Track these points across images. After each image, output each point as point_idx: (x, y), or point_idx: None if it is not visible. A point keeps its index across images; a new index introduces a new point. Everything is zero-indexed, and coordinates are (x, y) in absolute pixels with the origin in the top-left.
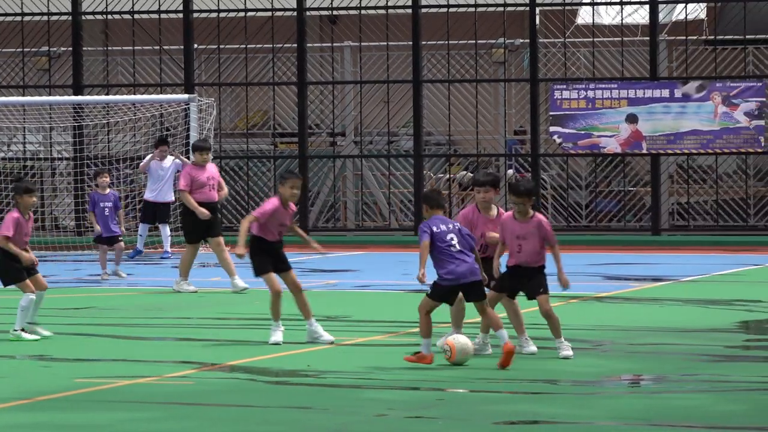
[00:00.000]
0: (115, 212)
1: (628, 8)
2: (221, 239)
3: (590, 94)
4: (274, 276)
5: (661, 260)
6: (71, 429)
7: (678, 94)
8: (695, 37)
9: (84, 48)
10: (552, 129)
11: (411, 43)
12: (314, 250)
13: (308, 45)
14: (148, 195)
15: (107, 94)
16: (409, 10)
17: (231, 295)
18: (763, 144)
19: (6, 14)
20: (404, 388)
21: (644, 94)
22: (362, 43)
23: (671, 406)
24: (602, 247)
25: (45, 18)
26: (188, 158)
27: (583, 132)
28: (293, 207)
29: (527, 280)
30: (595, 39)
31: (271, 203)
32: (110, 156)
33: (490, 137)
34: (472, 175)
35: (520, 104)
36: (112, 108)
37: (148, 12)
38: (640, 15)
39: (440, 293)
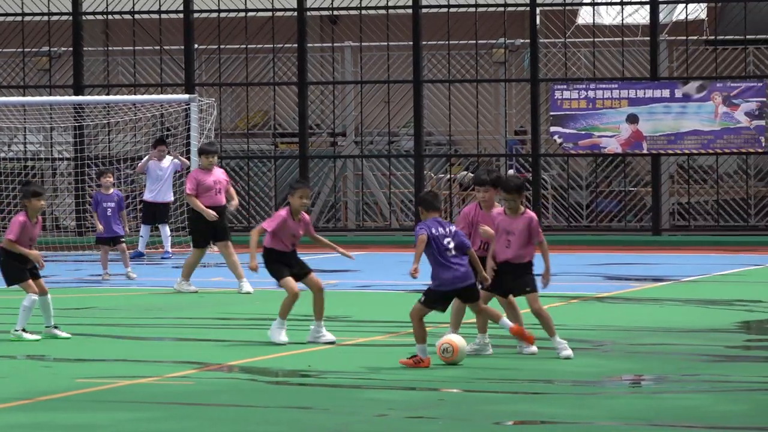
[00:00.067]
0: (119, 212)
1: (628, 8)
2: (229, 243)
3: (591, 94)
4: (291, 279)
5: (662, 260)
6: (72, 429)
7: (678, 94)
8: (696, 37)
9: (84, 48)
10: (552, 129)
11: (411, 43)
12: (347, 257)
13: (309, 45)
14: (147, 195)
15: (108, 94)
16: (410, 10)
17: (231, 295)
18: (763, 144)
19: (6, 14)
20: (405, 388)
21: (645, 94)
22: (363, 43)
23: (672, 407)
24: (603, 248)
25: (45, 18)
26: (188, 159)
27: (583, 132)
28: (306, 217)
29: (514, 277)
30: (595, 39)
31: (279, 215)
32: (111, 156)
33: (490, 137)
34: (472, 175)
35: (520, 104)
36: (112, 108)
37: (148, 12)
38: (640, 15)
39: (434, 300)
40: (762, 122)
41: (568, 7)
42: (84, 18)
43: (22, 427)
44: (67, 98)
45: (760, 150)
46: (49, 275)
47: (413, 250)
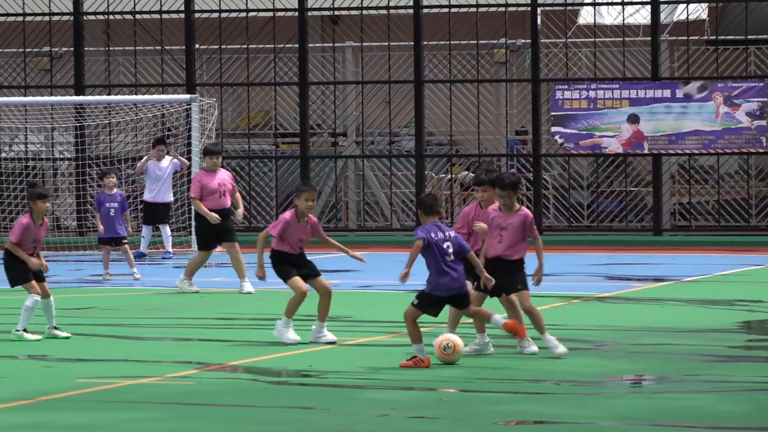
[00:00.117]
0: (122, 213)
1: (629, 8)
2: (236, 243)
3: (592, 94)
4: (298, 279)
5: (663, 260)
6: (73, 429)
7: (679, 94)
8: (697, 38)
9: (85, 48)
10: (553, 129)
11: (412, 43)
12: (359, 260)
13: (310, 45)
14: (147, 196)
15: (109, 94)
16: (411, 11)
17: (233, 295)
18: (764, 144)
19: (8, 14)
20: (406, 388)
21: (646, 94)
22: (364, 44)
23: (673, 407)
24: (604, 248)
25: (47, 18)
26: (188, 159)
27: (584, 132)
28: (314, 220)
29: (505, 274)
30: (596, 39)
31: (284, 218)
32: (112, 156)
33: (491, 137)
34: (473, 175)
35: (521, 104)
36: (113, 108)
37: (149, 12)
38: (641, 15)
39: (427, 303)
40: (763, 122)
41: (569, 7)
42: (85, 18)
43: (23, 427)
44: (68, 98)
45: (761, 150)
46: (50, 275)
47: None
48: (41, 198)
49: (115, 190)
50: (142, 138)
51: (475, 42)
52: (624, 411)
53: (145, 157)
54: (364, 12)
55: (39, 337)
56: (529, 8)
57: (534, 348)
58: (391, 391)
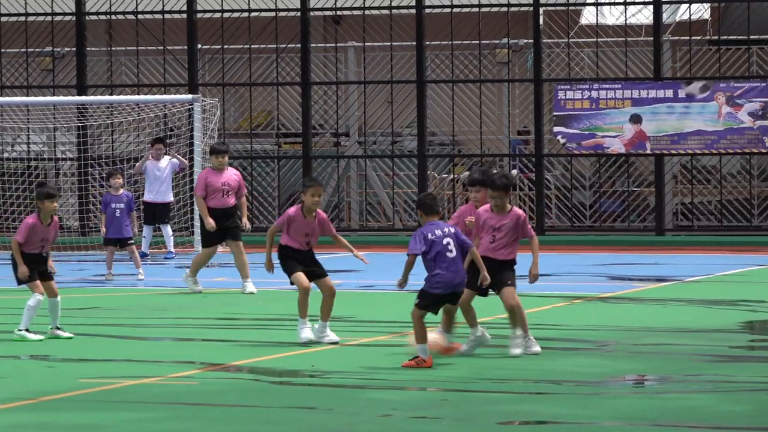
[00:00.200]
0: (128, 213)
1: (631, 8)
2: (240, 243)
3: (594, 94)
4: (301, 274)
5: (665, 260)
6: (75, 429)
7: (682, 94)
8: (699, 38)
9: (88, 48)
10: (556, 129)
11: (415, 43)
12: (362, 260)
13: (312, 45)
14: (147, 196)
15: (111, 94)
16: (413, 11)
17: (235, 295)
18: (767, 144)
19: (10, 14)
20: (408, 388)
21: (648, 94)
22: (366, 44)
23: (675, 407)
24: (606, 248)
25: (49, 18)
26: (190, 159)
27: (586, 132)
28: (322, 216)
29: (496, 273)
30: (598, 39)
31: (287, 213)
32: (114, 156)
33: (493, 137)
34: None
35: (523, 104)
36: (115, 108)
37: (151, 12)
38: (643, 15)
39: (428, 302)
40: (765, 122)
41: (571, 8)
42: (87, 18)
43: (25, 427)
44: (70, 98)
45: (763, 150)
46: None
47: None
48: (48, 198)
49: (121, 190)
50: (144, 138)
51: (478, 42)
52: (626, 411)
53: (143, 157)
54: (367, 12)
55: (41, 337)
56: (532, 8)
57: (537, 348)
58: (393, 391)
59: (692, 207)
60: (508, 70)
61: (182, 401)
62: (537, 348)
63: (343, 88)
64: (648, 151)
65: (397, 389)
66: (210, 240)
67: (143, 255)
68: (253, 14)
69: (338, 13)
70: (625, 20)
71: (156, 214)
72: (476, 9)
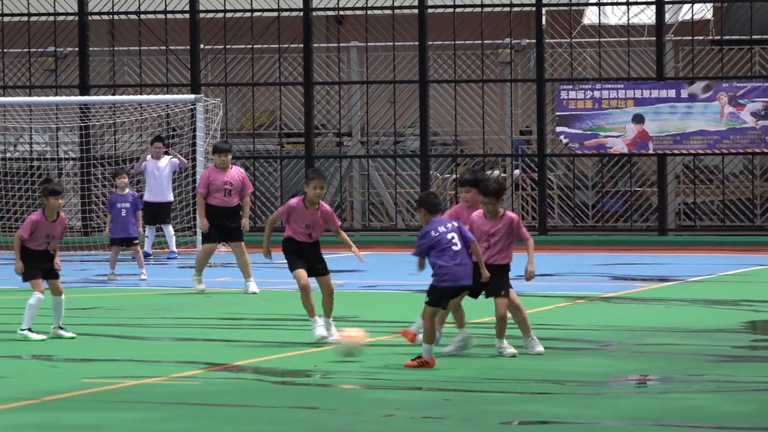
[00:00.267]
0: (134, 213)
1: (634, 8)
2: (242, 243)
3: (596, 94)
4: (301, 271)
5: (668, 260)
6: (78, 429)
7: (684, 94)
8: (701, 38)
9: (90, 48)
10: (558, 129)
11: (417, 43)
12: (358, 258)
13: (314, 45)
14: (147, 196)
15: (113, 94)
16: (416, 11)
17: (237, 295)
18: None
19: (12, 14)
20: (411, 388)
21: (650, 94)
22: (368, 44)
23: (678, 407)
24: (609, 248)
25: (51, 18)
26: (193, 159)
27: (589, 132)
28: (326, 208)
29: (491, 279)
30: (601, 39)
31: (288, 203)
32: (117, 156)
33: (496, 137)
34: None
35: (526, 104)
36: (118, 108)
37: (154, 12)
38: (646, 15)
39: (438, 296)
40: None
41: (573, 8)
42: (90, 18)
43: (28, 427)
44: (72, 98)
45: (766, 150)
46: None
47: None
48: (54, 194)
49: (126, 190)
50: (146, 138)
51: (480, 42)
52: (629, 411)
53: (142, 157)
54: (369, 12)
55: (43, 336)
56: (534, 8)
57: (540, 348)
58: (396, 391)
59: (695, 207)
60: (510, 70)
61: (185, 401)
62: (540, 348)
63: (345, 88)
64: (650, 151)
65: (399, 389)
66: (208, 237)
67: (146, 255)
68: (256, 14)
69: (341, 13)
70: (628, 20)
71: (157, 214)
72: (479, 9)
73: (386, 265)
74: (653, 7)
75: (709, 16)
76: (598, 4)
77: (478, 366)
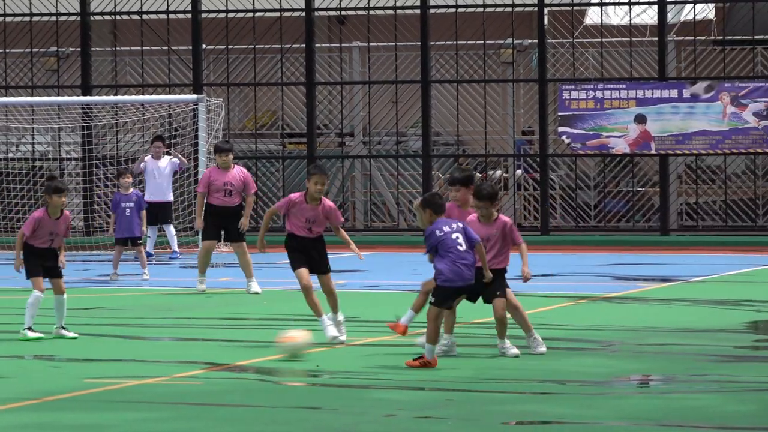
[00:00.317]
0: (138, 212)
1: (636, 8)
2: (243, 243)
3: (599, 94)
4: (302, 271)
5: (670, 260)
6: (80, 429)
7: (686, 94)
8: (704, 38)
9: (92, 48)
10: (560, 129)
11: (419, 43)
12: (357, 255)
13: (317, 45)
14: (147, 196)
15: (116, 94)
16: (418, 11)
17: (240, 295)
18: None
19: (14, 14)
20: (413, 388)
21: (653, 94)
22: (371, 44)
23: (680, 407)
24: (611, 248)
25: (53, 18)
26: (195, 159)
27: (591, 132)
28: (329, 204)
29: (487, 282)
30: (603, 39)
31: (289, 197)
32: (119, 156)
33: (498, 137)
34: (480, 175)
35: (528, 104)
36: (120, 108)
37: (156, 12)
38: (648, 15)
39: (444, 296)
40: None
41: (575, 8)
42: (92, 18)
43: (28, 427)
44: (75, 98)
45: None
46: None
47: (422, 250)
48: (57, 192)
49: (131, 189)
50: (148, 138)
51: (482, 42)
52: (631, 411)
53: (140, 158)
54: (371, 12)
55: (40, 335)
56: (536, 8)
57: (542, 348)
58: (398, 391)
59: (697, 207)
60: (512, 70)
61: (187, 401)
62: (543, 348)
63: (347, 88)
64: (653, 151)
65: (401, 389)
66: (206, 233)
67: (148, 255)
68: (258, 14)
69: (343, 13)
70: (630, 20)
71: (157, 214)
72: (481, 9)
73: (388, 265)
74: (655, 7)
75: (712, 16)
76: (600, 4)
77: (479, 366)
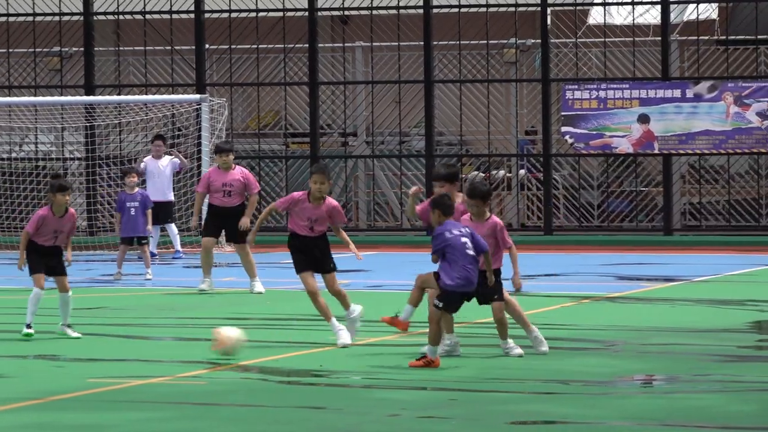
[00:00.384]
0: (143, 212)
1: (639, 8)
2: (246, 245)
3: (602, 94)
4: (306, 275)
5: (673, 260)
6: (83, 429)
7: (690, 94)
8: (707, 37)
9: (96, 48)
10: (564, 129)
11: (422, 43)
12: (356, 255)
13: (320, 45)
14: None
15: (119, 94)
16: (421, 11)
17: (242, 295)
18: None
19: (18, 14)
20: (417, 388)
21: (656, 94)
22: (374, 44)
23: (683, 407)
24: (614, 248)
25: (57, 18)
26: (198, 159)
27: (594, 132)
28: (332, 204)
29: (480, 283)
30: (606, 39)
31: (291, 195)
32: (122, 156)
33: (501, 137)
34: (483, 175)
35: (531, 104)
36: (123, 108)
37: (159, 12)
38: (651, 15)
39: (451, 301)
40: None
41: (579, 7)
42: (95, 18)
43: (33, 427)
44: (78, 98)
45: None
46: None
47: (425, 250)
48: (60, 190)
49: (136, 189)
50: (151, 138)
51: (485, 42)
52: (634, 411)
53: (139, 159)
54: (374, 12)
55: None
56: (539, 8)
57: (544, 348)
58: (401, 391)
59: (700, 207)
60: (515, 70)
61: (190, 401)
62: (544, 348)
63: (350, 88)
64: (656, 151)
65: (405, 389)
66: (205, 230)
67: (152, 255)
68: (261, 14)
69: (346, 13)
70: (633, 20)
71: (158, 213)
72: (484, 9)
73: (391, 264)
74: (658, 6)
75: (715, 15)
76: (604, 4)
77: (482, 366)
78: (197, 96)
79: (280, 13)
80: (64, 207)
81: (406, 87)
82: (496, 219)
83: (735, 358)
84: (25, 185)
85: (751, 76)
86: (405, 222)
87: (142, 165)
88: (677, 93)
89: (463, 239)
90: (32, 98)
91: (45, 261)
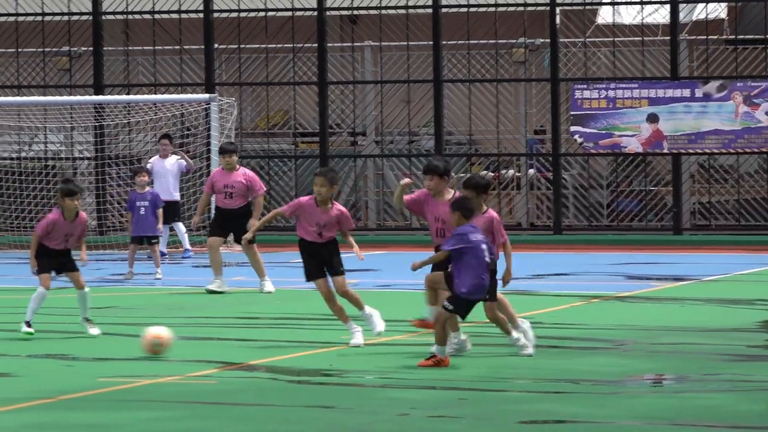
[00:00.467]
0: (154, 211)
1: (648, 8)
2: (253, 245)
3: (611, 93)
4: (318, 282)
5: (683, 260)
6: (93, 428)
7: (699, 93)
8: (716, 37)
9: (105, 48)
10: (573, 129)
11: (431, 42)
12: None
13: (329, 45)
14: None
15: (128, 93)
16: (430, 10)
17: (252, 294)
18: None
19: (27, 14)
20: (427, 387)
21: (665, 93)
22: (383, 43)
23: (693, 406)
24: (624, 247)
25: (66, 18)
26: (207, 158)
27: (604, 132)
28: (340, 209)
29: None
30: (615, 39)
31: (297, 200)
32: (131, 156)
33: (510, 137)
34: (492, 174)
35: (540, 104)
36: (132, 108)
37: (168, 12)
38: (660, 14)
39: (461, 307)
40: None
41: (588, 7)
42: (104, 18)
43: (43, 427)
44: (87, 98)
45: None
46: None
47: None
48: (69, 195)
49: (146, 188)
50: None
51: (494, 41)
52: (644, 410)
53: (145, 160)
54: (383, 12)
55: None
56: (548, 8)
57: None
58: (411, 391)
59: (710, 206)
60: (524, 69)
61: (200, 400)
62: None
63: (359, 87)
64: (665, 151)
65: (415, 388)
66: (211, 229)
67: (162, 254)
68: (270, 14)
69: (355, 12)
70: (642, 19)
71: (165, 213)
72: (493, 8)
73: (400, 264)
74: (667, 6)
75: (724, 15)
76: (612, 4)
77: (492, 365)
78: (206, 95)
79: (289, 13)
80: (75, 211)
81: (415, 86)
82: (493, 213)
83: (744, 358)
84: (35, 185)
85: (761, 75)
86: (414, 221)
87: (149, 165)
88: (686, 92)
89: (483, 246)
90: (41, 98)
91: (55, 261)
